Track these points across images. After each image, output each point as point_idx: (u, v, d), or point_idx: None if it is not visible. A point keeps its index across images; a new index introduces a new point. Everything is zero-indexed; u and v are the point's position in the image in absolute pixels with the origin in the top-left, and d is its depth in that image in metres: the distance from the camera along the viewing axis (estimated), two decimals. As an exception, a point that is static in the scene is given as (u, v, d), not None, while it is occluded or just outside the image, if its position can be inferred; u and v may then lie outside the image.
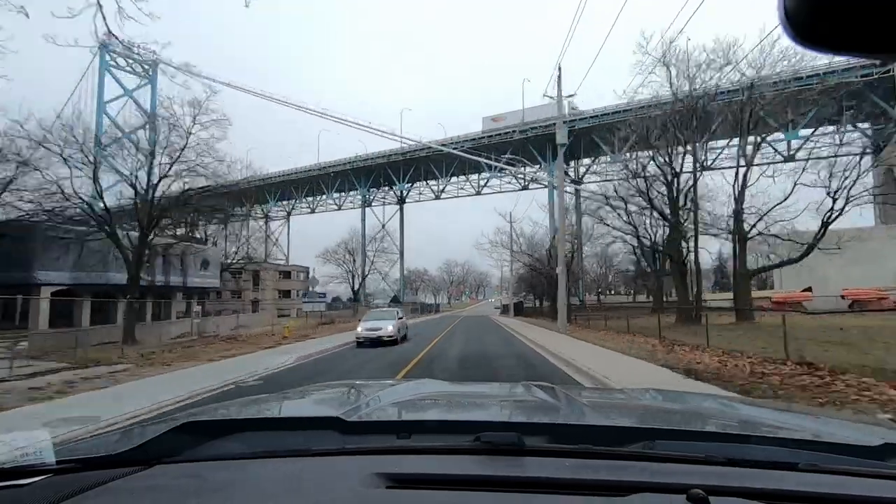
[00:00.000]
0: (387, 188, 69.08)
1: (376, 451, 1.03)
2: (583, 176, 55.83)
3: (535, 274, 44.37)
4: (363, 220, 65.46)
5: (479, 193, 62.80)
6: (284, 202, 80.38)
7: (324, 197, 76.15)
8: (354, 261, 61.11)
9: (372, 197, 70.89)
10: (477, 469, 0.92)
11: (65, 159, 20.84)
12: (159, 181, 22.18)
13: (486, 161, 46.85)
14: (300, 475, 0.93)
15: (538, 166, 57.04)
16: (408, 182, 63.16)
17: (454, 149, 53.45)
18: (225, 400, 5.65)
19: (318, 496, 0.85)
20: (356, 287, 60.75)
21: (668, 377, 8.22)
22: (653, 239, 28.03)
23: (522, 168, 58.10)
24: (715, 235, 24.46)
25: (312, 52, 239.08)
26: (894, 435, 1.13)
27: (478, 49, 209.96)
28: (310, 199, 77.29)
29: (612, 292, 78.94)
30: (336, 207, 74.93)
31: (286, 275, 69.37)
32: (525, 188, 59.16)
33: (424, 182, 65.69)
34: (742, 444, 1.04)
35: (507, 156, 52.71)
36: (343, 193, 72.15)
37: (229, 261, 47.11)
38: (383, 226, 68.46)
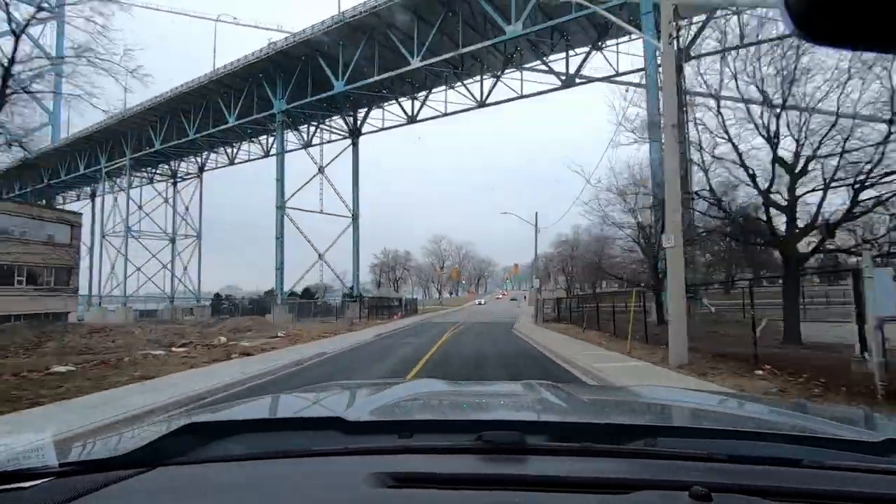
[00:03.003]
0: (330, 114, 41.60)
1: (378, 451, 1.02)
2: (693, 40, 28.69)
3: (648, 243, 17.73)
4: (280, 159, 37.76)
5: (483, 104, 35.49)
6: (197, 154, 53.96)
7: (243, 146, 49.70)
8: None
9: (312, 132, 43.67)
10: (479, 468, 0.92)
11: None
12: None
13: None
14: (302, 475, 0.94)
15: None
16: (353, 83, 34.25)
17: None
18: None
19: (320, 496, 0.86)
20: None
21: None
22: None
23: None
24: None
25: None
26: None
27: None
28: (228, 147, 51.02)
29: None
30: (262, 153, 48.33)
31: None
32: (568, 85, 32.24)
33: (393, 96, 38.49)
34: (744, 440, 1.03)
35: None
36: (264, 131, 44.98)
37: None
38: (321, 169, 41.08)
